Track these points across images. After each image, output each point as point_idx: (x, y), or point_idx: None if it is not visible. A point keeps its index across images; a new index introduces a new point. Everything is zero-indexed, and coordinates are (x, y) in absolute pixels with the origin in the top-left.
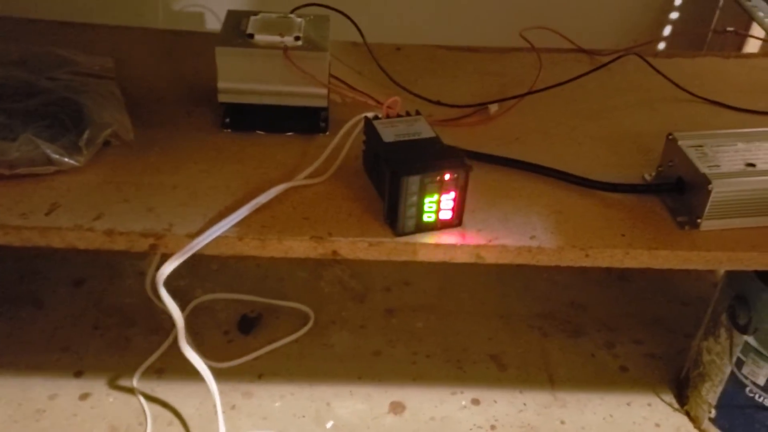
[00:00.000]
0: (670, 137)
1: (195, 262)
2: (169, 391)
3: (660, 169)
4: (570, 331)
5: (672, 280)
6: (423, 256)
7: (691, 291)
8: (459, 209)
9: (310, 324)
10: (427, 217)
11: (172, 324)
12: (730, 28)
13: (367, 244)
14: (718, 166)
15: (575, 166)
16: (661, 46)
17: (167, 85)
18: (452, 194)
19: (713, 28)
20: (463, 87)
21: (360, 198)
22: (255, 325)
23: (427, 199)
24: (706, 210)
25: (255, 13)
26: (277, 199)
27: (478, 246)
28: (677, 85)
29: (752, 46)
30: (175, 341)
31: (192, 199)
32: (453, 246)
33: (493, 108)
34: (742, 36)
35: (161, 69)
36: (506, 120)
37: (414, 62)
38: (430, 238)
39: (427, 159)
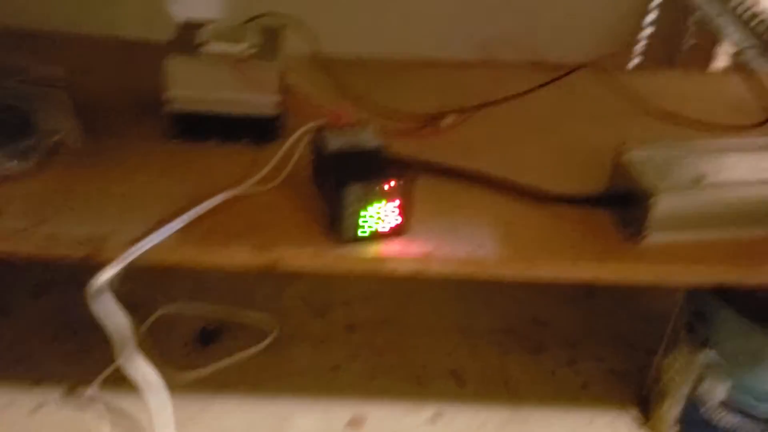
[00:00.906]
0: (619, 150)
1: (158, 272)
2: (126, 402)
3: (610, 181)
4: (531, 347)
5: (638, 298)
6: (366, 266)
7: (655, 308)
8: (403, 219)
9: (271, 337)
10: (371, 227)
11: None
12: (693, 41)
13: (310, 254)
14: (665, 179)
15: (526, 178)
16: (635, 61)
17: (120, 94)
18: (396, 203)
19: (682, 44)
20: (419, 99)
21: (307, 208)
22: (215, 337)
23: (369, 209)
24: (651, 223)
25: (209, 22)
26: (221, 207)
27: (421, 256)
28: (637, 100)
29: (723, 62)
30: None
31: (136, 208)
32: (396, 256)
33: (447, 120)
34: (710, 52)
35: (115, 78)
36: (460, 133)
37: (373, 74)
38: (374, 248)
39: (369, 168)
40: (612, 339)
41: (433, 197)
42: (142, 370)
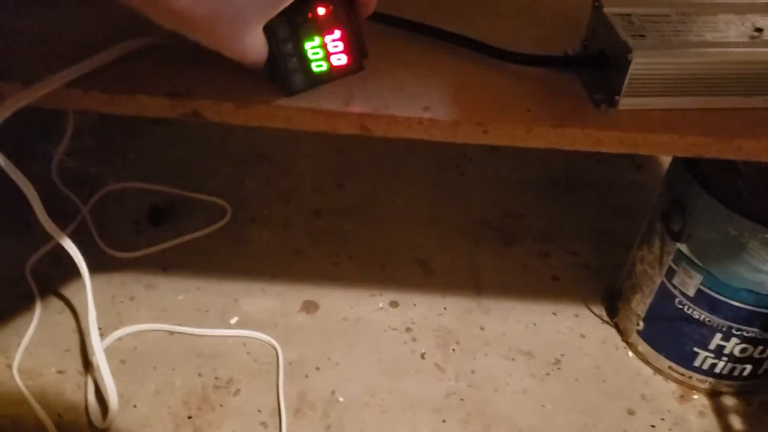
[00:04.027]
0: (596, 4)
1: (110, 148)
2: (65, 279)
3: (584, 42)
4: (504, 239)
5: (621, 194)
6: (299, 124)
7: (639, 204)
8: (353, 50)
9: (226, 219)
10: (317, 66)
11: (77, 210)
12: None
13: (234, 106)
14: (644, 36)
15: (492, 38)
16: None
17: None
18: (337, 33)
19: None
20: None
21: None
22: (166, 216)
23: (308, 44)
24: (625, 84)
25: None
26: (142, 50)
27: (363, 115)
28: None
29: None
30: (78, 229)
31: (43, 44)
32: (335, 113)
33: None
34: None
35: None
36: None
37: None
38: (313, 102)
39: None
40: (590, 234)
41: (382, 53)
42: (62, 241)
